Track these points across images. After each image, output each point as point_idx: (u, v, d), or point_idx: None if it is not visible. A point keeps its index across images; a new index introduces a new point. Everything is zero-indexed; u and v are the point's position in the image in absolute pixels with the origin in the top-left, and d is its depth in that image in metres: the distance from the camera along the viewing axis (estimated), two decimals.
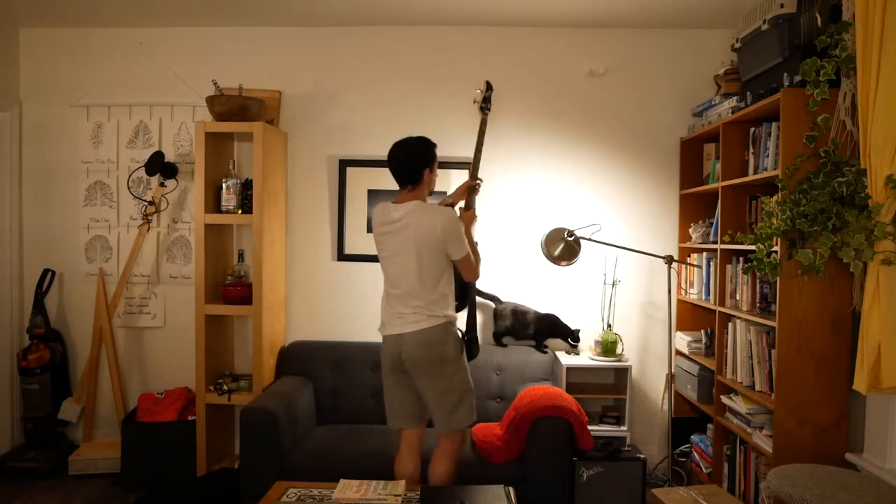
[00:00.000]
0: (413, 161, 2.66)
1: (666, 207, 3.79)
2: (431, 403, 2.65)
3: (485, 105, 3.16)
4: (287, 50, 3.84)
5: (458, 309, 2.86)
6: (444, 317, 2.62)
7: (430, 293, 2.61)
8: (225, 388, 3.51)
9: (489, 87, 3.21)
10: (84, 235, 3.92)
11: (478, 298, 3.49)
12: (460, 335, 2.74)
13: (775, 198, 2.62)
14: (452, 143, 3.76)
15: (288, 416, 3.12)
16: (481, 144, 3.11)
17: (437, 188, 3.72)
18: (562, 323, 3.64)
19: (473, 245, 2.82)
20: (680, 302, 3.70)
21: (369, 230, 3.80)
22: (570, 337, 3.61)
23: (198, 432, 3.48)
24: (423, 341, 2.59)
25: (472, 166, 3.07)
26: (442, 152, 3.66)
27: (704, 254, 3.43)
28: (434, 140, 2.76)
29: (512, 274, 3.80)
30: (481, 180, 3.07)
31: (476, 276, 2.76)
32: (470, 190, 3.02)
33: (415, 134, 2.75)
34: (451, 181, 3.76)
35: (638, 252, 3.51)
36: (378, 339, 3.78)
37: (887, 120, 2.22)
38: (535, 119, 3.80)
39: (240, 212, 3.53)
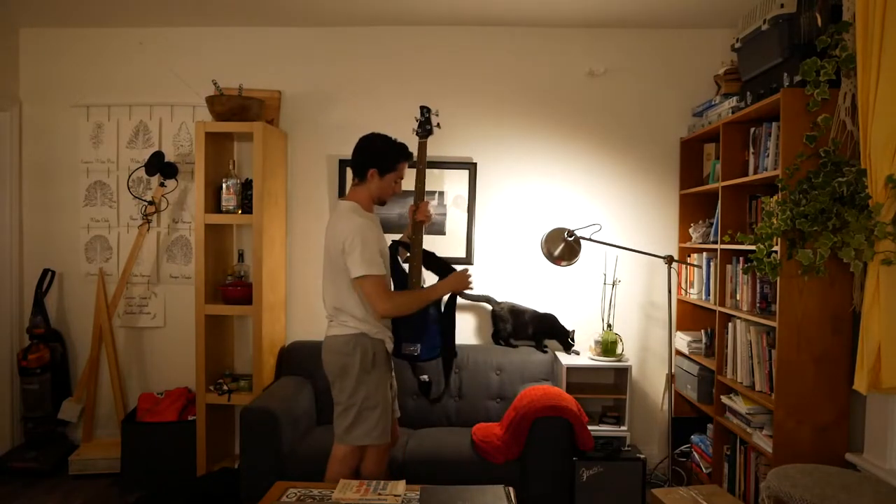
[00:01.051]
0: (362, 154, 2.57)
1: (666, 207, 3.79)
2: (334, 411, 2.62)
3: (420, 130, 2.77)
4: (287, 50, 3.84)
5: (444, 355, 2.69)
6: (353, 327, 2.52)
7: (343, 303, 2.53)
8: (225, 388, 3.51)
9: (423, 111, 2.79)
10: (84, 235, 3.92)
11: (461, 306, 3.41)
12: (373, 353, 2.55)
13: (775, 198, 2.62)
14: (452, 143, 3.76)
15: (288, 416, 3.12)
16: (422, 171, 2.73)
17: (432, 188, 3.74)
18: (560, 325, 3.64)
19: (428, 295, 2.59)
20: (680, 302, 3.70)
21: None
22: (568, 338, 3.61)
23: (198, 432, 3.47)
24: (329, 348, 2.58)
25: (415, 192, 2.73)
26: (441, 152, 3.69)
27: (704, 254, 3.43)
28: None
29: (512, 274, 3.79)
30: (426, 203, 2.75)
31: (379, 307, 2.48)
32: (414, 215, 2.73)
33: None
34: (445, 181, 3.76)
35: (638, 252, 3.51)
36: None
37: (887, 120, 2.22)
38: (534, 119, 3.79)
39: (240, 212, 3.53)
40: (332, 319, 2.61)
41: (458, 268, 2.73)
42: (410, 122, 3.78)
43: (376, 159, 2.57)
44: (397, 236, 2.90)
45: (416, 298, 2.60)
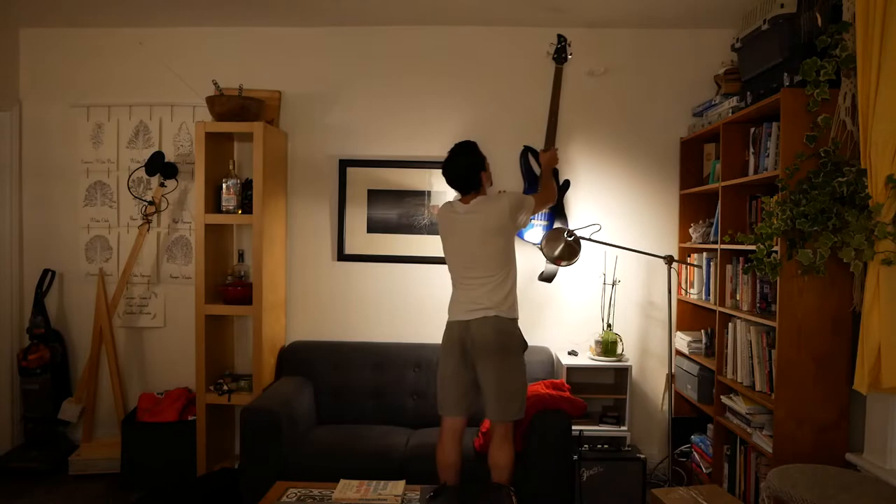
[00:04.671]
0: (473, 168, 2.88)
1: (666, 207, 3.79)
2: (491, 390, 2.74)
3: (557, 56, 3.28)
4: (287, 50, 3.84)
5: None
6: (509, 310, 2.78)
7: (498, 281, 2.77)
8: (225, 388, 3.51)
9: (560, 39, 3.39)
10: (84, 235, 3.92)
11: None
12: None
13: (775, 198, 2.62)
14: (450, 142, 3.71)
15: (288, 416, 3.12)
16: (555, 105, 3.27)
17: (430, 188, 3.74)
18: None
19: (551, 182, 3.14)
20: (680, 302, 3.70)
21: (370, 230, 3.80)
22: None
23: (198, 432, 3.47)
24: (493, 328, 2.73)
25: (548, 133, 3.31)
26: (439, 151, 3.66)
27: (704, 254, 3.43)
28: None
29: None
30: (556, 148, 3.34)
31: (552, 199, 3.14)
32: (548, 163, 3.27)
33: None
34: (443, 180, 3.76)
35: (638, 252, 3.50)
36: (377, 339, 3.80)
37: (887, 120, 2.22)
38: (534, 119, 3.79)
39: (240, 212, 3.53)
40: (487, 302, 2.76)
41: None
42: (411, 120, 3.80)
43: (479, 165, 2.90)
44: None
45: (549, 186, 3.15)
